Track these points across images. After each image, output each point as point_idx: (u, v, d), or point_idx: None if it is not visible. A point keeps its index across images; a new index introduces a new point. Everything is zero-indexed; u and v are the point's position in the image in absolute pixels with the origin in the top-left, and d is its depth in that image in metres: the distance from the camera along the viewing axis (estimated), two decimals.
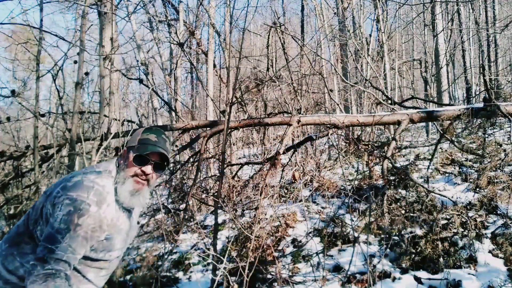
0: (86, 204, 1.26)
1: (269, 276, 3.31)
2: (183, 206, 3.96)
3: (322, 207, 4.80)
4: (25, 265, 1.27)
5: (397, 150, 5.40)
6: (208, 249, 3.13)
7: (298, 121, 3.55)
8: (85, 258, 1.31)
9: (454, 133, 4.05)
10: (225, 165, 3.93)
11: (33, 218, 1.32)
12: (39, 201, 1.34)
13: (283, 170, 4.61)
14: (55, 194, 1.28)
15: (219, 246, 4.20)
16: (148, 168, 1.38)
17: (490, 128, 6.15)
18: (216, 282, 2.62)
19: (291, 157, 4.46)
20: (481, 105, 3.40)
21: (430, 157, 4.70)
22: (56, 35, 2.97)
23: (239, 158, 8.41)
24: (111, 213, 1.34)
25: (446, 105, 5.28)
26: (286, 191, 5.28)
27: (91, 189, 1.29)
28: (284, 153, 3.96)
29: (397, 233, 3.55)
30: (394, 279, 3.08)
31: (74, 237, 1.23)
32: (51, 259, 1.19)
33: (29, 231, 1.31)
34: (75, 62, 3.54)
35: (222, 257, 2.62)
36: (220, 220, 5.04)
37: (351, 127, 4.05)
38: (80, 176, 1.33)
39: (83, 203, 1.25)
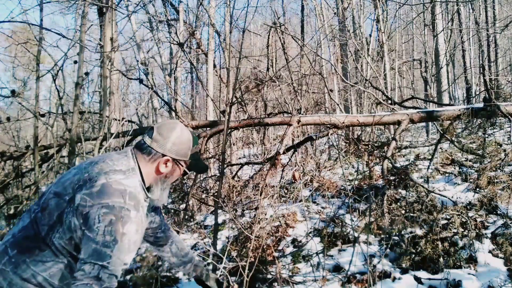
0: (126, 210, 1.15)
1: (269, 276, 3.31)
2: (183, 206, 3.97)
3: (322, 207, 4.79)
4: (40, 274, 1.16)
5: (397, 150, 5.40)
6: (208, 250, 3.13)
7: (298, 121, 3.55)
8: None
9: (454, 133, 4.04)
10: (225, 165, 3.93)
11: (46, 224, 1.17)
12: (52, 205, 1.18)
13: (283, 170, 4.62)
14: (80, 202, 1.14)
15: (219, 246, 4.20)
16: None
17: (490, 128, 6.15)
18: None
19: (291, 157, 4.47)
20: (481, 105, 3.41)
21: (430, 157, 4.70)
22: (57, 33, 2.98)
23: (239, 158, 8.40)
24: (144, 214, 1.28)
25: (446, 105, 5.28)
26: (286, 191, 5.28)
27: (125, 193, 1.18)
28: (284, 153, 3.96)
29: (397, 233, 3.55)
30: (394, 279, 3.07)
31: (121, 248, 1.13)
32: (105, 276, 1.10)
33: (42, 237, 1.17)
34: (75, 62, 3.54)
35: (222, 256, 2.62)
36: (220, 220, 5.03)
37: (351, 127, 4.05)
38: (104, 177, 1.18)
39: (123, 209, 1.14)
